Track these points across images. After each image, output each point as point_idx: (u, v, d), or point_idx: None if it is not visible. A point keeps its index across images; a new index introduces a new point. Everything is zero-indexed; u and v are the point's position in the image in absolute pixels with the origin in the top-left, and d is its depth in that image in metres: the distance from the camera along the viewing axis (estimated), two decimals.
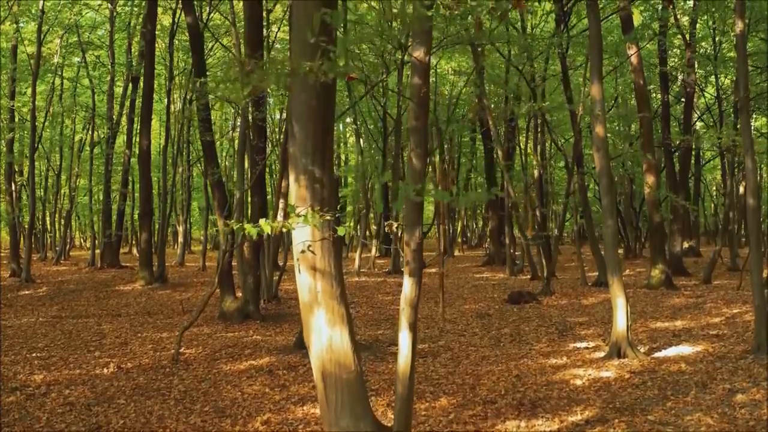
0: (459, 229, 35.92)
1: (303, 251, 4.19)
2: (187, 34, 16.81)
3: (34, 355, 9.56)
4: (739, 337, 9.70)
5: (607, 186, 9.19)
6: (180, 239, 28.43)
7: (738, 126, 13.27)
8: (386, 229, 3.85)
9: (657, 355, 8.85)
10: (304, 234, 4.13)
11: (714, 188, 42.76)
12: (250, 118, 12.58)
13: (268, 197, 24.05)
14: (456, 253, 33.09)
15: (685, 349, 9.10)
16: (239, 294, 12.79)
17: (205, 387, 7.73)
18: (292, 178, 4.23)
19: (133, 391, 7.60)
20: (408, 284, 4.12)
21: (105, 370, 8.52)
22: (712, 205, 42.57)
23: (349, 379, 4.29)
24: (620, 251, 28.10)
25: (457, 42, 12.14)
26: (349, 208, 43.21)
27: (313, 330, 4.33)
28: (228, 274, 12.59)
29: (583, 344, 9.73)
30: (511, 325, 11.48)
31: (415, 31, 3.74)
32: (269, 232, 3.42)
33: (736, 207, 24.76)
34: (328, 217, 3.74)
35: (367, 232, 30.78)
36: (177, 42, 22.93)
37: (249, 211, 15.25)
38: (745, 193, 15.39)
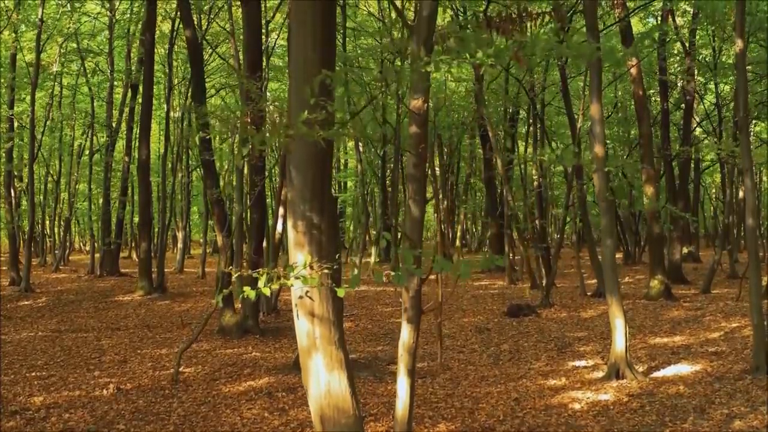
0: (459, 233, 35.92)
1: (301, 297, 4.19)
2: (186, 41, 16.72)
3: (33, 374, 9.56)
4: (737, 355, 9.71)
5: (607, 207, 9.19)
6: (179, 245, 28.42)
7: (737, 133, 13.24)
8: (385, 279, 3.85)
9: (656, 374, 8.86)
10: (302, 271, 4.13)
11: (713, 191, 42.75)
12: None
13: (267, 200, 24.07)
14: (455, 258, 33.11)
15: (683, 368, 9.11)
16: (238, 304, 12.78)
17: (204, 411, 7.73)
18: (290, 223, 4.23)
19: (133, 415, 7.60)
20: (406, 331, 4.13)
21: (104, 392, 8.52)
22: (712, 208, 42.56)
23: (348, 423, 4.30)
24: (619, 255, 28.25)
25: (456, 57, 12.15)
26: (349, 210, 43.17)
27: (311, 374, 4.34)
28: (228, 287, 12.56)
29: (582, 363, 9.74)
30: (510, 341, 11.49)
31: (414, 82, 3.75)
32: (269, 293, 3.41)
33: (735, 211, 24.76)
34: (326, 270, 3.75)
35: (367, 237, 30.78)
36: (176, 47, 22.92)
37: (249, 218, 15.22)
38: (744, 200, 15.38)
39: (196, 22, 19.29)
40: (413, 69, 3.42)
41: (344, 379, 4.31)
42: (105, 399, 8.23)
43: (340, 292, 3.56)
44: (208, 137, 10.85)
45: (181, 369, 9.32)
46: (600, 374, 8.92)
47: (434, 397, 8.08)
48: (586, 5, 9.95)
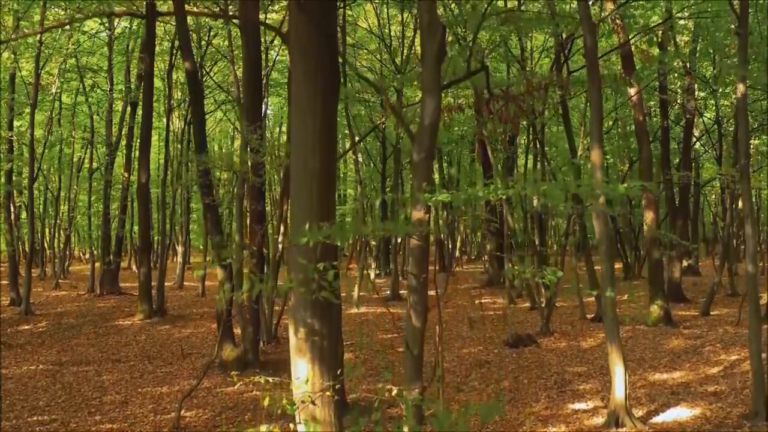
0: (459, 244, 35.99)
1: (303, 401, 4.21)
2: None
3: (35, 418, 9.58)
4: (736, 396, 9.74)
5: (608, 252, 9.18)
6: (179, 259, 28.42)
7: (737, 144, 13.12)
8: (388, 391, 3.87)
9: (655, 420, 8.89)
10: (304, 385, 4.15)
11: (713, 197, 42.73)
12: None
13: (267, 207, 24.07)
14: (455, 268, 33.17)
15: (683, 413, 9.14)
16: (237, 330, 12.76)
17: None
18: (291, 329, 4.25)
19: None
20: None
21: None
22: (711, 215, 42.52)
23: None
24: (619, 266, 28.22)
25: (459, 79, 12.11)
26: (348, 219, 43.17)
27: None
28: (227, 319, 12.59)
29: (582, 405, 9.76)
30: (510, 376, 11.51)
31: (415, 199, 3.77)
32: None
33: (735, 222, 24.75)
34: (328, 393, 3.76)
35: (366, 247, 30.81)
36: (176, 58, 22.86)
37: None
38: (744, 211, 15.32)
39: (195, 40, 19.29)
40: (413, 196, 3.43)
41: None
42: None
43: None
44: (207, 183, 10.84)
45: (182, 413, 9.32)
46: (600, 420, 8.95)
47: None
48: (587, 44, 9.93)
